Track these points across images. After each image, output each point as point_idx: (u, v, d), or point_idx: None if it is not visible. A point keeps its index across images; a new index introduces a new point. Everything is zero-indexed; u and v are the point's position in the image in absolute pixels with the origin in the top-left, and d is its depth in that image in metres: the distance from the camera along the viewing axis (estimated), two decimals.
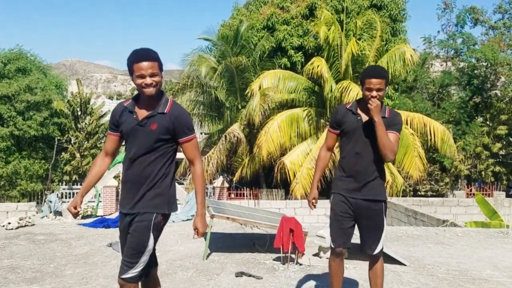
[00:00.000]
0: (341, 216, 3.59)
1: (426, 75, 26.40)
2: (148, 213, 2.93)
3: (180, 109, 3.01)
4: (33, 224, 8.97)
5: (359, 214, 3.58)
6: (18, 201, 19.19)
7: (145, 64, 2.85)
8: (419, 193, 22.30)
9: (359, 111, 3.53)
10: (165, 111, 2.94)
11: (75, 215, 3.11)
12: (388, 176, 16.60)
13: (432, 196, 21.10)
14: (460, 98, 25.77)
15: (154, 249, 3.02)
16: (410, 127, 18.22)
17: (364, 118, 3.49)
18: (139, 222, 2.93)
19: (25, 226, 8.70)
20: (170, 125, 2.93)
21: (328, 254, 6.01)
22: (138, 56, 2.88)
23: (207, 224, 3.07)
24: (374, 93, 3.40)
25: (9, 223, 8.54)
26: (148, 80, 2.86)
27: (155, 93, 2.92)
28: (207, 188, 20.57)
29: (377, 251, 3.63)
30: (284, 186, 18.58)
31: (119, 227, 3.13)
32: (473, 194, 19.93)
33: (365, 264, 5.73)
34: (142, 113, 2.96)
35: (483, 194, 18.23)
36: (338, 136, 3.69)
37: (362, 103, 3.55)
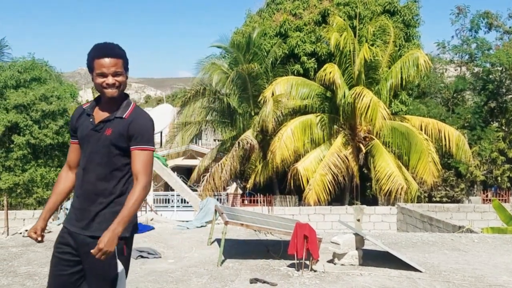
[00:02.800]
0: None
1: (439, 80, 26.23)
2: None
3: (142, 115, 2.60)
4: (50, 231, 9.05)
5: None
6: (35, 209, 19.41)
7: (107, 61, 2.50)
8: (434, 199, 22.10)
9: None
10: (124, 116, 2.56)
11: (38, 241, 2.66)
12: (402, 182, 16.51)
13: (447, 202, 20.89)
14: (475, 103, 25.53)
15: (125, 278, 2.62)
16: (425, 133, 18.12)
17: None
18: None
19: None
20: (125, 131, 2.53)
21: (343, 260, 6.00)
22: (100, 51, 2.53)
23: (115, 244, 2.40)
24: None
25: (26, 230, 8.65)
26: (110, 80, 2.51)
27: (118, 95, 2.57)
28: (220, 195, 20.62)
29: None
30: (298, 192, 18.57)
31: (55, 244, 2.65)
32: (489, 200, 19.69)
33: (380, 271, 5.71)
34: (99, 117, 2.60)
35: (499, 199, 17.95)
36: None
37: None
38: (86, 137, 2.59)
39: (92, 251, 2.39)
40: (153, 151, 2.61)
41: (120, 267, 2.54)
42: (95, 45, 2.59)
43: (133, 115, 2.58)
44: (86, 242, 2.52)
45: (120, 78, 2.54)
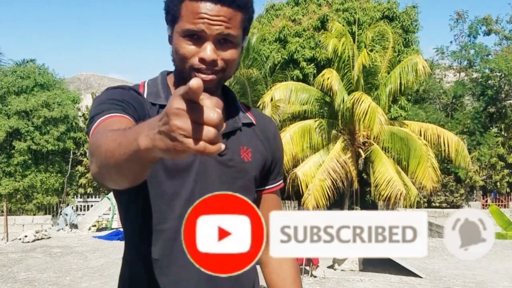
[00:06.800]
0: None
1: (438, 86, 26.32)
2: None
3: (270, 118, 1.49)
4: (49, 237, 9.07)
5: None
6: (34, 215, 19.38)
7: (214, 8, 1.11)
8: (433, 204, 22.13)
9: None
10: (253, 121, 1.33)
11: None
12: (401, 188, 16.51)
13: (447, 207, 20.91)
14: (474, 108, 25.62)
15: None
16: (424, 138, 18.14)
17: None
18: None
19: (42, 239, 8.81)
20: (268, 151, 1.36)
21: (344, 266, 6.00)
22: None
23: None
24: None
25: (26, 236, 8.66)
26: (209, 53, 1.12)
27: (217, 86, 1.22)
28: None
29: None
30: (297, 197, 18.57)
31: None
32: (489, 205, 19.74)
33: (381, 276, 5.71)
34: None
35: (498, 205, 18.00)
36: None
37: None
38: (190, 169, 1.20)
39: None
40: None
41: None
42: None
43: (263, 120, 1.38)
44: None
45: (229, 53, 1.16)
